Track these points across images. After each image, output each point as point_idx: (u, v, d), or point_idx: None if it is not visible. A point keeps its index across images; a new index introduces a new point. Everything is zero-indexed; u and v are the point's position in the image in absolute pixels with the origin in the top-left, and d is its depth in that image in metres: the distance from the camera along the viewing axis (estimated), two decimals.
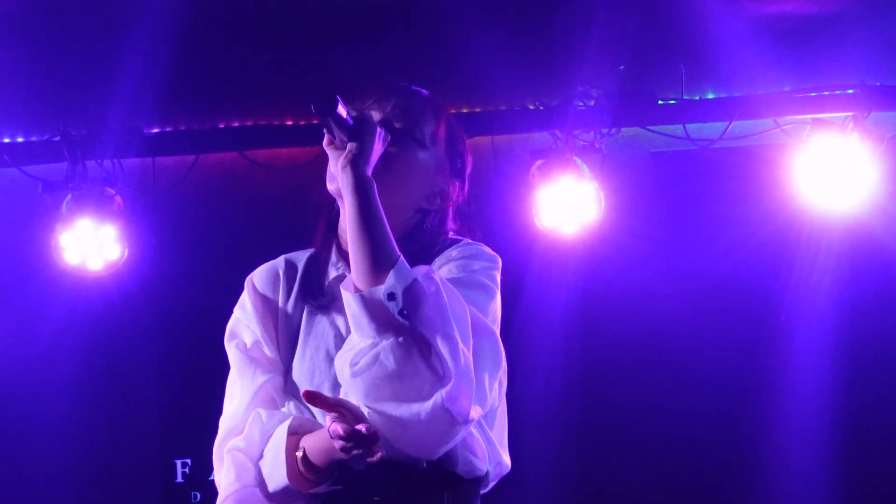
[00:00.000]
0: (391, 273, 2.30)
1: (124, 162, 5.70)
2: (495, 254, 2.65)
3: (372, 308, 2.28)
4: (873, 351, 6.00)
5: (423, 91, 2.74)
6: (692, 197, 6.09)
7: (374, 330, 2.28)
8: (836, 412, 5.90)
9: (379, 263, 2.33)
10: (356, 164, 2.43)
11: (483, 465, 2.51)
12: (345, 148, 2.48)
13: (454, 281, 2.45)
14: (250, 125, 5.96)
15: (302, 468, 2.44)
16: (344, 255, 2.61)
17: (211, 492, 6.20)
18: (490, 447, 2.53)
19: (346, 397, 2.37)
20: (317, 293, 2.64)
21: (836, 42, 5.34)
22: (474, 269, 2.55)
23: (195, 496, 6.10)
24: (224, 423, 2.86)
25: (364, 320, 2.29)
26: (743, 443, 5.93)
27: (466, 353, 2.29)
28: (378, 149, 2.52)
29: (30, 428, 5.95)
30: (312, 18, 5.10)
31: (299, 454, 2.44)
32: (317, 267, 2.69)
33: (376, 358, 2.27)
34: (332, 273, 2.64)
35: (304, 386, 2.55)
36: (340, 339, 2.53)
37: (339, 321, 2.57)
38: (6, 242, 5.91)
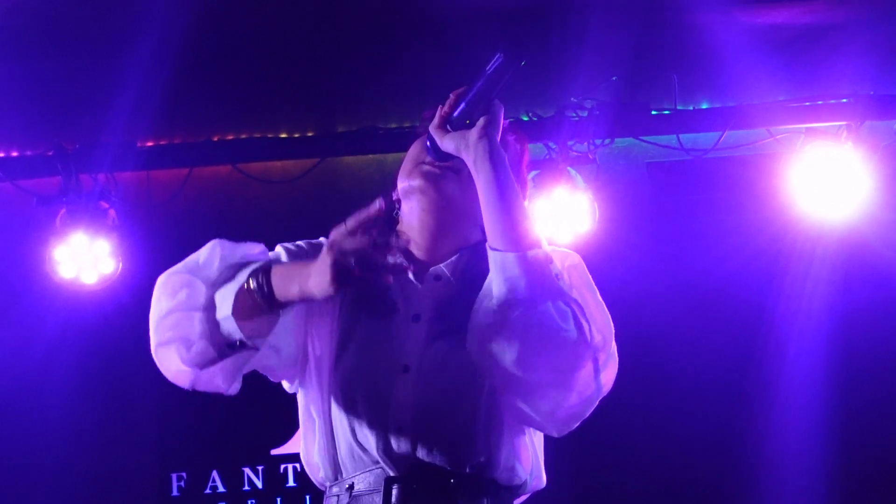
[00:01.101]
0: (542, 244, 2.33)
1: (118, 176, 5.70)
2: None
3: (531, 269, 2.28)
4: (867, 359, 6.00)
5: None
6: (686, 207, 6.09)
7: (533, 291, 2.27)
8: (830, 420, 5.90)
9: (529, 228, 2.34)
10: (492, 134, 2.42)
11: (524, 473, 2.53)
12: (461, 125, 2.44)
13: None
14: (244, 138, 5.96)
15: (253, 285, 2.40)
16: (409, 246, 2.52)
17: None
18: (535, 458, 2.57)
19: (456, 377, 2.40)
20: (379, 301, 2.54)
21: (830, 51, 5.35)
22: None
23: None
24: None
25: (523, 281, 2.28)
26: (737, 451, 5.92)
27: (611, 326, 2.39)
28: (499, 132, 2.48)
29: (25, 442, 5.93)
30: (306, 32, 5.11)
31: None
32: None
33: (533, 320, 2.27)
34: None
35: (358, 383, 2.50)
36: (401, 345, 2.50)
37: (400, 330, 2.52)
38: (0, 257, 5.90)
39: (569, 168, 5.62)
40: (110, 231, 5.62)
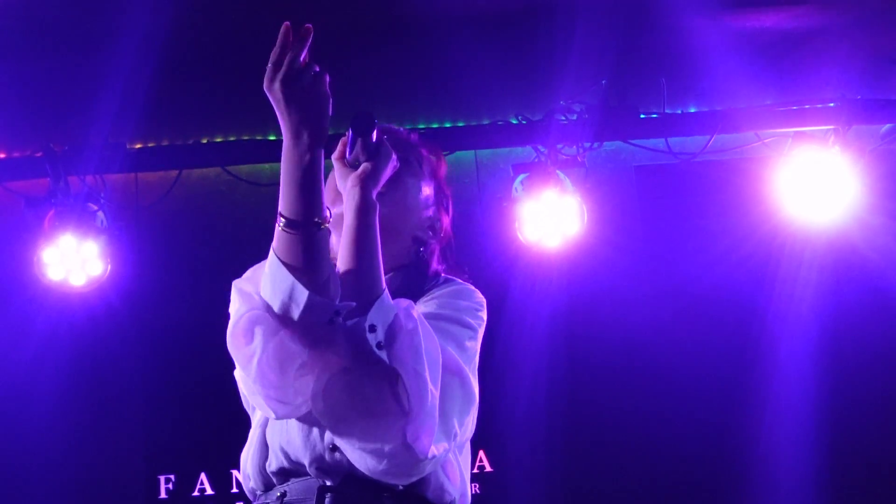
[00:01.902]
0: (375, 305, 2.31)
1: (107, 177, 5.69)
2: (482, 296, 2.67)
3: (351, 336, 2.28)
4: (856, 361, 6.02)
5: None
6: (674, 210, 6.11)
7: (350, 357, 2.29)
8: (819, 421, 5.91)
9: (365, 292, 2.33)
10: (366, 185, 2.44)
11: (454, 491, 2.53)
12: (356, 166, 2.49)
13: (436, 316, 2.49)
14: (233, 140, 5.96)
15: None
16: None
17: None
18: (462, 477, 2.57)
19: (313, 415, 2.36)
20: None
21: (817, 56, 5.37)
22: (459, 307, 2.57)
23: None
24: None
25: (341, 348, 2.29)
26: (728, 452, 5.93)
27: (434, 393, 2.31)
28: (388, 174, 2.52)
29: (13, 444, 5.92)
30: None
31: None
32: None
33: (348, 385, 2.29)
34: None
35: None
36: None
37: None
38: None
39: (557, 171, 5.63)
40: (99, 233, 5.61)
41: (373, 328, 2.29)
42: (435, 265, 2.70)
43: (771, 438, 5.92)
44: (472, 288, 2.67)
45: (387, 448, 2.29)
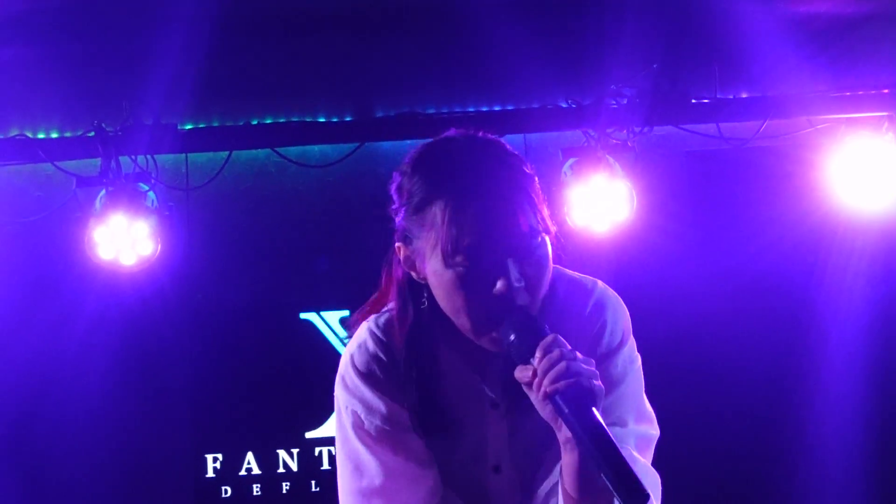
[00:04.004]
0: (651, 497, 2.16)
1: (158, 158, 5.72)
2: (623, 306, 2.58)
3: None
4: None
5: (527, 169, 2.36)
6: (725, 196, 6.07)
7: None
8: (869, 412, 5.88)
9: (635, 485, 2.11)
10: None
11: None
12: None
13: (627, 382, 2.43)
14: (283, 122, 5.97)
15: None
16: (460, 340, 2.32)
17: (240, 487, 6.24)
18: None
19: None
20: (461, 399, 2.40)
21: (871, 42, 5.32)
22: (634, 365, 2.51)
23: (225, 491, 6.12)
24: None
25: None
26: (776, 442, 5.91)
27: None
28: None
29: (64, 422, 5.97)
30: (344, 15, 5.10)
31: None
32: (434, 380, 2.38)
33: None
34: (456, 389, 2.40)
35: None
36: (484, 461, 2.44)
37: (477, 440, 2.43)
38: (40, 238, 5.94)
39: (607, 156, 5.60)
40: (149, 213, 5.64)
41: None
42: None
43: (820, 428, 5.89)
44: (619, 312, 2.57)
45: None
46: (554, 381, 2.09)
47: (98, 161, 5.63)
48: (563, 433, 2.16)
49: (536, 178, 2.33)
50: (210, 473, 6.14)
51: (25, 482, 5.94)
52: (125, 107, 5.48)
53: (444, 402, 2.36)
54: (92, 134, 5.60)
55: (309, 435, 6.16)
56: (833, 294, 5.94)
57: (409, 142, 6.09)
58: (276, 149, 6.02)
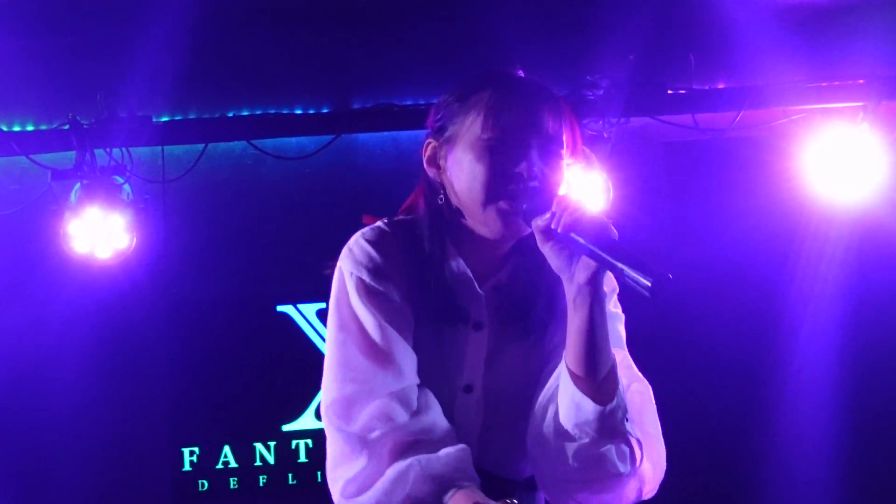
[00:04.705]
0: (618, 391, 2.37)
1: (133, 151, 5.70)
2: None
3: (605, 422, 2.34)
4: (880, 341, 6.01)
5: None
6: (701, 187, 6.09)
7: (602, 436, 2.35)
8: (842, 403, 5.90)
9: (609, 379, 2.38)
10: (600, 280, 2.36)
11: None
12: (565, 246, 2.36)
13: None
14: (259, 114, 5.96)
15: None
16: (465, 249, 2.51)
17: (218, 480, 6.22)
18: None
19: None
20: (446, 309, 2.50)
21: (847, 32, 5.33)
22: (613, 304, 2.59)
23: (202, 484, 6.12)
24: (367, 374, 2.43)
25: (593, 426, 2.34)
26: (749, 432, 5.93)
27: (661, 446, 2.56)
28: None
29: (40, 416, 5.95)
30: (321, 7, 5.09)
31: None
32: (436, 269, 2.51)
33: (594, 457, 2.36)
34: (458, 284, 2.52)
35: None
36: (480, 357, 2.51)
37: (476, 338, 2.51)
38: (16, 231, 5.92)
39: (584, 147, 5.59)
40: (125, 206, 5.62)
41: (624, 410, 2.38)
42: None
43: (792, 418, 5.91)
44: None
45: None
46: (572, 213, 2.30)
47: (73, 154, 5.61)
48: (575, 283, 2.33)
49: (573, 118, 2.59)
50: (187, 467, 6.13)
51: (1, 477, 5.92)
52: (100, 99, 5.46)
53: (434, 306, 2.47)
54: (67, 127, 5.58)
55: (286, 428, 6.15)
56: (807, 284, 5.96)
57: (386, 133, 6.10)
58: (252, 141, 6.01)
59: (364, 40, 5.37)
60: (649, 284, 2.19)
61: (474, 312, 2.49)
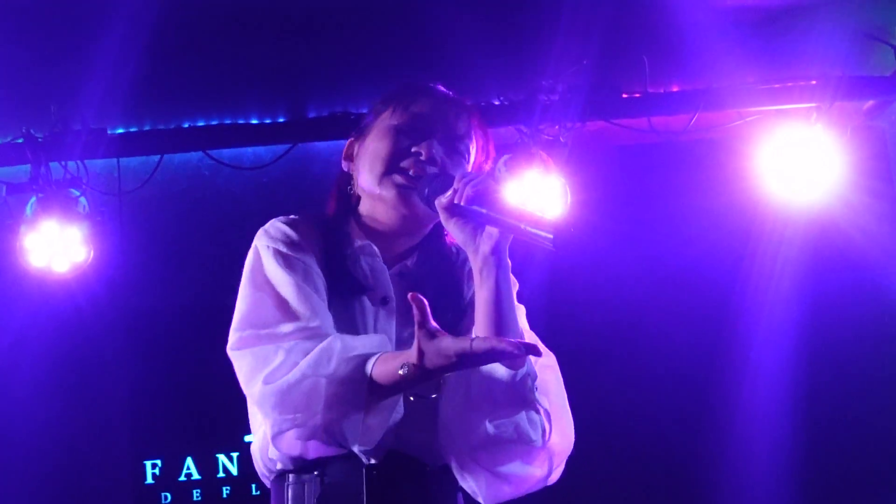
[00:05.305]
0: (527, 360, 2.45)
1: (89, 163, 5.67)
2: None
3: (515, 389, 2.43)
4: (835, 342, 6.03)
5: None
6: (657, 189, 6.11)
7: (512, 404, 2.44)
8: (797, 404, 5.92)
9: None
10: (503, 248, 2.47)
11: None
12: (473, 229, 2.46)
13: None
14: (215, 124, 5.94)
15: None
16: (370, 236, 2.64)
17: (181, 492, 6.17)
18: None
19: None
20: (353, 279, 2.60)
21: (800, 33, 5.36)
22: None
23: (165, 497, 6.08)
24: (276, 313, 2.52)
25: (505, 396, 2.43)
26: (703, 433, 5.93)
27: (569, 417, 2.62)
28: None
29: None
30: (274, 15, 5.08)
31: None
32: (341, 245, 2.65)
33: (506, 427, 2.43)
34: (362, 257, 2.63)
35: None
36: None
37: (373, 309, 2.59)
38: None
39: (540, 151, 5.61)
40: (81, 219, 5.60)
41: (533, 377, 2.45)
42: (450, 239, 2.71)
43: (747, 420, 5.92)
44: None
45: (540, 473, 2.54)
46: (473, 185, 2.40)
47: (28, 167, 5.58)
48: (480, 254, 2.43)
49: (484, 127, 2.78)
50: (149, 480, 6.10)
51: None
52: (54, 111, 5.43)
53: (342, 279, 2.58)
54: (21, 140, 5.55)
55: (248, 438, 6.11)
56: (763, 285, 5.99)
57: (342, 141, 6.08)
58: (208, 151, 5.99)
59: (318, 48, 5.36)
60: (551, 237, 2.30)
61: (381, 288, 2.59)
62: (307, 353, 2.37)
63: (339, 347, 2.35)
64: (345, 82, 5.70)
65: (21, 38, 5.01)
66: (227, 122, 5.92)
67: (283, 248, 2.57)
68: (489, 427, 2.41)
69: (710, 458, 5.89)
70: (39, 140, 5.53)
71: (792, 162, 5.61)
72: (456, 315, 2.59)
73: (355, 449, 2.40)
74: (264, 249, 2.60)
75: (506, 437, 2.42)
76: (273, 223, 2.65)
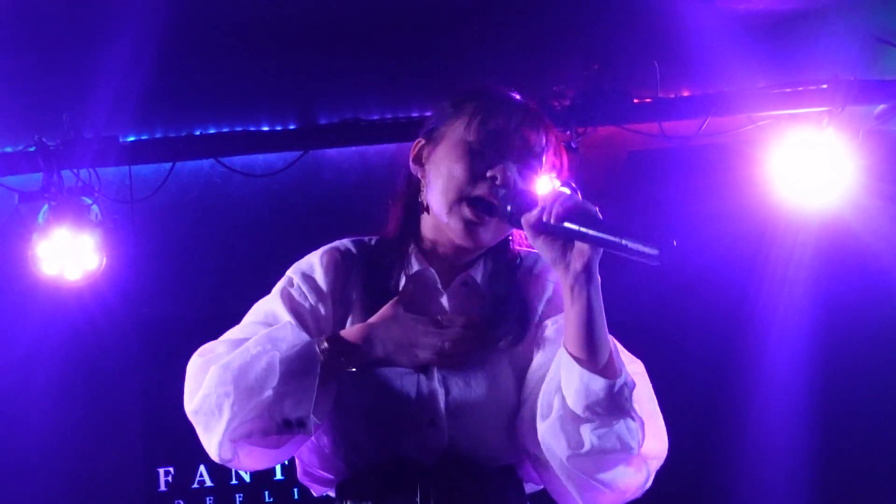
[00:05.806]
0: (624, 369, 2.48)
1: (101, 171, 5.68)
2: None
3: (615, 398, 2.41)
4: (849, 346, 6.01)
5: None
6: (669, 194, 6.10)
7: (612, 413, 2.42)
8: (811, 407, 5.91)
9: (616, 357, 2.49)
10: (596, 272, 2.49)
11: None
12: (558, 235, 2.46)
13: None
14: (226, 132, 5.95)
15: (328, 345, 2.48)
16: (431, 255, 2.62)
17: (193, 500, 6.18)
18: None
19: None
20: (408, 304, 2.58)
21: (811, 37, 5.36)
22: None
23: None
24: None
25: (604, 405, 2.40)
26: (718, 436, 5.93)
27: (661, 421, 2.68)
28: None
29: (11, 440, 5.92)
30: (287, 25, 5.09)
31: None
32: (390, 275, 2.63)
33: (606, 437, 2.42)
34: (423, 282, 2.62)
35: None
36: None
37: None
38: None
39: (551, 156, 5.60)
40: (93, 227, 5.61)
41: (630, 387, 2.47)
42: (514, 247, 2.72)
43: (762, 424, 5.91)
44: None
45: (642, 480, 2.58)
46: (563, 203, 2.41)
47: (40, 176, 5.59)
48: (571, 271, 2.42)
49: (558, 139, 2.74)
50: (162, 487, 6.11)
51: None
52: (66, 120, 5.45)
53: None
54: (33, 149, 5.56)
55: None
56: (775, 289, 5.98)
57: (353, 148, 6.10)
58: (220, 159, 6.00)
59: (329, 56, 5.37)
60: (657, 252, 2.26)
61: (435, 307, 2.57)
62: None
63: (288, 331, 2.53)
64: (355, 89, 5.70)
65: (33, 47, 5.03)
66: (239, 129, 5.93)
67: (298, 279, 2.63)
68: (591, 440, 2.41)
69: (725, 461, 5.88)
70: (51, 148, 5.55)
71: (804, 166, 5.60)
72: (521, 325, 2.58)
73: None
74: (283, 281, 2.67)
75: (608, 447, 2.41)
76: (312, 254, 2.67)
